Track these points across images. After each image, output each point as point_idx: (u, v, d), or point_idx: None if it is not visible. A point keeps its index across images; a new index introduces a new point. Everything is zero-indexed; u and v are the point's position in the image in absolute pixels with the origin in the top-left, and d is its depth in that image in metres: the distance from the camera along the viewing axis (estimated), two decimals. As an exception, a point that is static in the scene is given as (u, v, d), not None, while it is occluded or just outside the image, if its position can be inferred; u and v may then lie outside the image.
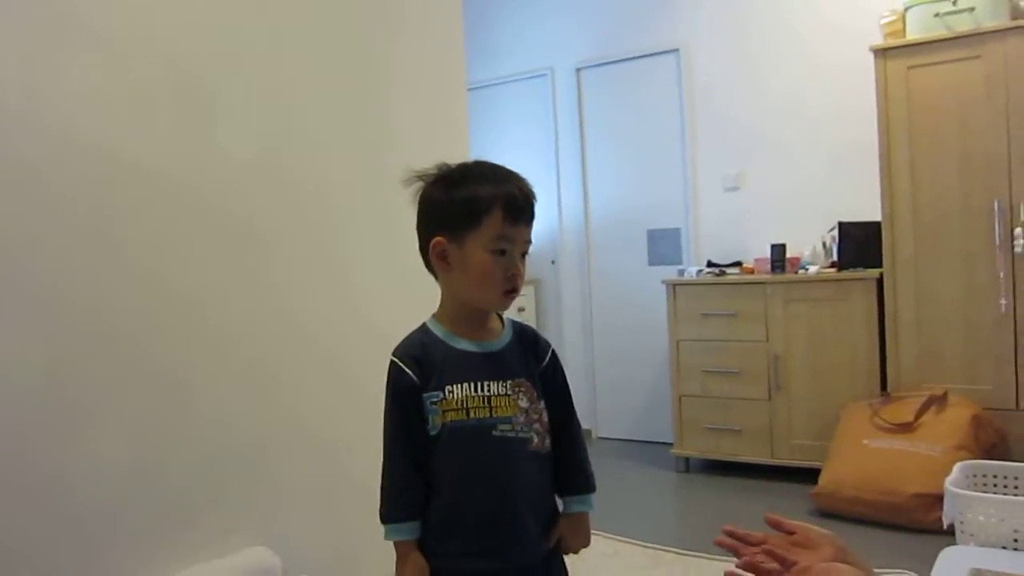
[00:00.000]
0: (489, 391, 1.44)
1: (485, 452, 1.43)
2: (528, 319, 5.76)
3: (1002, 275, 3.71)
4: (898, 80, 3.91)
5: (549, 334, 5.82)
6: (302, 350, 2.50)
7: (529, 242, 1.46)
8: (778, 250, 4.44)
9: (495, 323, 1.53)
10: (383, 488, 1.48)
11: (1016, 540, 2.67)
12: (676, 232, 5.26)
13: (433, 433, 1.44)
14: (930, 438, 3.62)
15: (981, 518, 2.78)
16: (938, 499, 3.11)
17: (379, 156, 2.83)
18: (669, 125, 5.25)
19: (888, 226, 3.97)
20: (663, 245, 5.31)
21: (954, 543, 2.75)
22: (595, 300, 5.61)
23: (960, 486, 2.96)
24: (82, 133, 1.98)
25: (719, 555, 3.27)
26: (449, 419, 1.43)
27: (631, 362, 5.41)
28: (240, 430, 2.30)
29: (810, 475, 3.94)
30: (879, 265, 4.03)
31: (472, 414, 1.42)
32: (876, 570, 3.08)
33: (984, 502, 2.81)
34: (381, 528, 1.50)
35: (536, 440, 1.48)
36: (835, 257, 4.32)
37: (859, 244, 4.16)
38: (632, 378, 5.42)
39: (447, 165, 1.51)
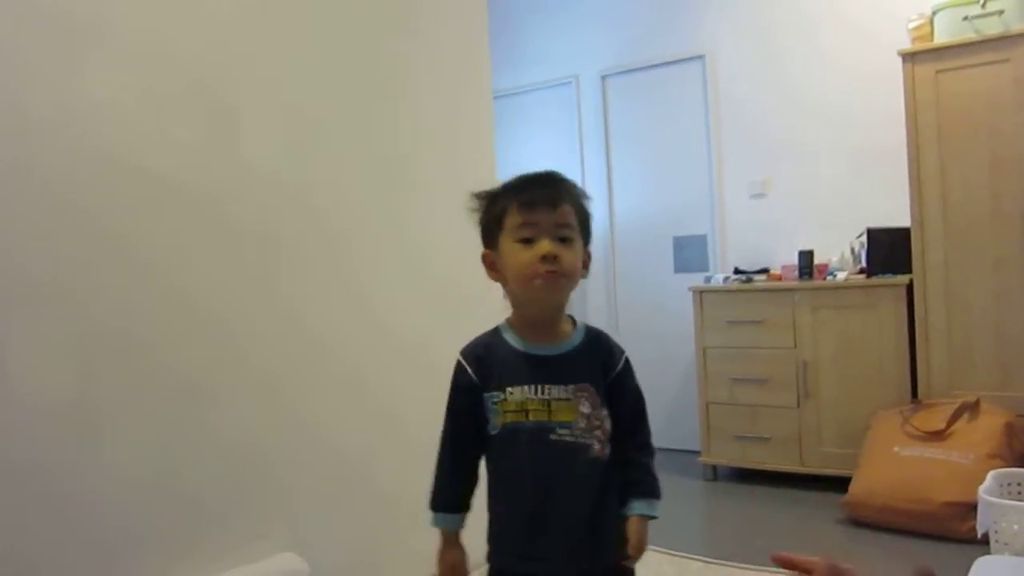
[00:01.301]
0: (549, 394, 1.45)
1: (541, 455, 1.44)
2: (554, 327, 5.75)
3: (1034, 281, 3.66)
4: (927, 84, 3.87)
5: (575, 342, 5.80)
6: (318, 359, 2.51)
7: (566, 226, 1.47)
8: (806, 257, 4.40)
9: (565, 326, 1.54)
10: (433, 478, 1.55)
11: (1051, 550, 2.63)
12: (702, 239, 5.24)
13: (494, 432, 1.47)
14: (962, 446, 3.57)
15: (1016, 527, 2.75)
16: (971, 508, 3.08)
17: (403, 165, 2.84)
18: (694, 131, 5.24)
19: (917, 231, 3.93)
20: (689, 252, 5.29)
21: (988, 552, 2.71)
22: (621, 307, 5.60)
23: (994, 495, 2.93)
24: (106, 146, 2.01)
25: (746, 564, 3.25)
26: (509, 420, 1.45)
27: (657, 369, 5.38)
28: (261, 439, 2.32)
29: (840, 484, 3.90)
30: (908, 271, 3.98)
31: (531, 416, 1.44)
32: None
33: (1019, 511, 2.77)
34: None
35: (597, 447, 1.48)
36: (864, 263, 4.27)
37: (888, 250, 4.12)
38: (658, 385, 5.38)
39: (496, 185, 1.58)
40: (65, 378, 1.91)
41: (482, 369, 1.48)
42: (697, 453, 4.74)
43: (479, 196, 1.56)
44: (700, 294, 4.63)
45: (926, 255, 3.91)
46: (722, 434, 4.57)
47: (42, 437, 1.86)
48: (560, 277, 1.45)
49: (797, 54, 4.80)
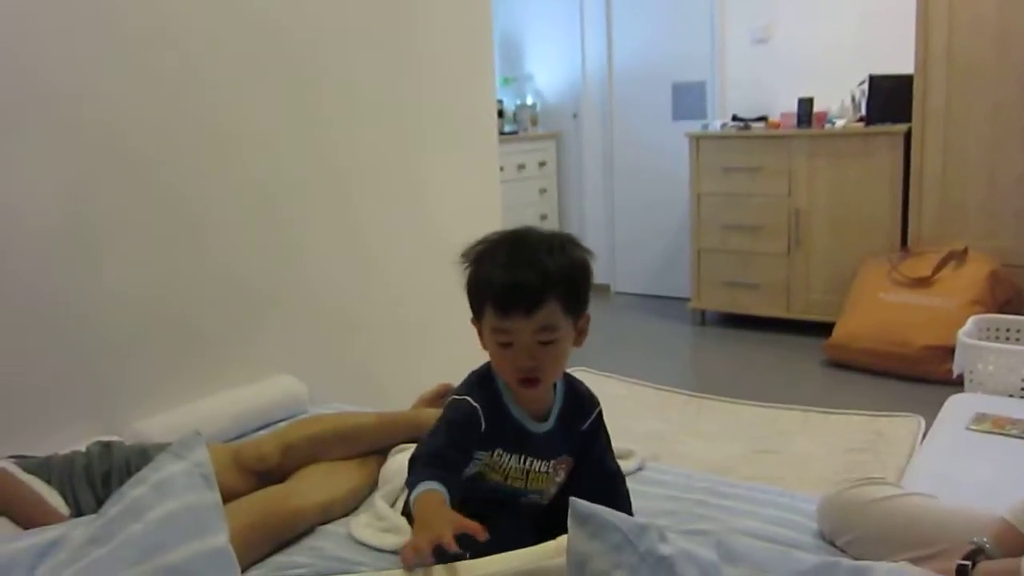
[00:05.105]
0: (531, 467, 1.42)
1: (504, 509, 1.41)
2: (549, 174, 5.74)
3: (1032, 129, 3.64)
4: (942, -79, 3.72)
5: (570, 189, 5.81)
6: (315, 187, 2.54)
7: (546, 329, 1.31)
8: (805, 104, 4.34)
9: (547, 391, 1.44)
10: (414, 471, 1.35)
11: (1023, 389, 2.74)
12: (701, 85, 5.14)
13: (467, 472, 1.39)
14: (946, 292, 3.65)
15: (991, 368, 2.84)
16: (950, 351, 3.16)
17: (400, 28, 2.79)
18: (698, -28, 5.05)
19: (921, 76, 3.86)
20: (688, 99, 5.21)
21: (962, 392, 2.82)
22: (617, 154, 5.56)
23: (973, 338, 3.01)
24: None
25: (729, 398, 3.38)
26: (488, 477, 1.41)
27: (651, 217, 5.41)
28: (254, 266, 2.35)
29: (826, 329, 4.00)
30: (907, 120, 3.94)
31: (509, 482, 1.41)
32: (884, 415, 3.16)
33: (995, 352, 2.86)
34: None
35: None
36: (863, 112, 4.23)
37: (889, 97, 4.06)
38: (651, 233, 5.44)
39: (488, 237, 1.39)
40: (57, 197, 1.90)
41: (487, 420, 1.37)
42: (687, 300, 4.83)
43: (464, 256, 1.38)
44: (697, 140, 4.60)
45: (927, 101, 3.86)
46: (712, 280, 4.65)
47: (39, 258, 1.88)
48: (538, 383, 1.36)
49: None
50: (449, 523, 1.16)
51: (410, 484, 1.29)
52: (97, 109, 1.97)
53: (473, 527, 1.16)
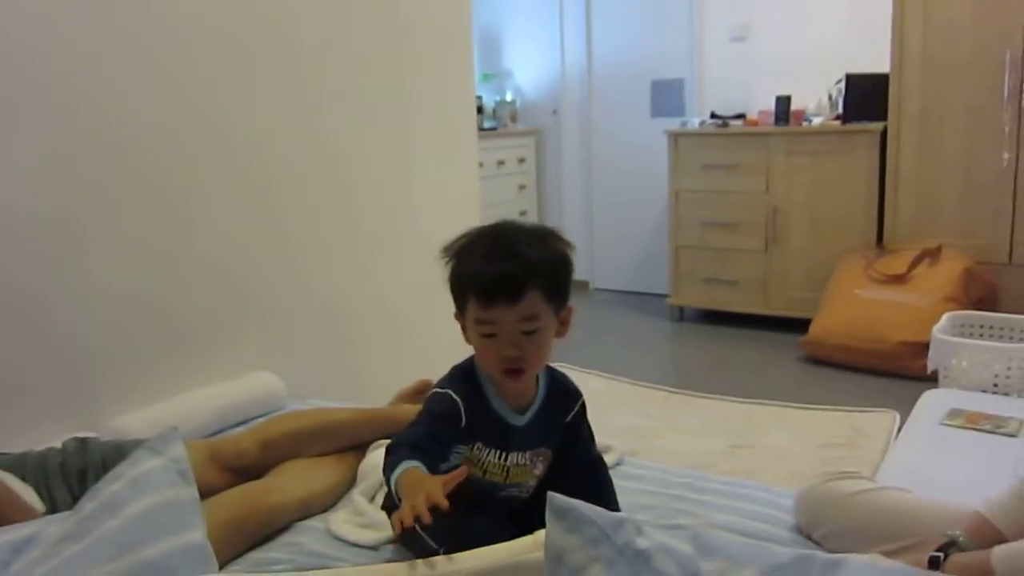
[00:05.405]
0: (510, 461, 1.42)
1: (484, 506, 1.42)
2: (528, 170, 5.74)
3: (1007, 129, 3.68)
4: (918, -78, 3.75)
5: (549, 186, 5.82)
6: (303, 184, 2.52)
7: (529, 319, 1.32)
8: (782, 102, 4.37)
9: (529, 384, 1.45)
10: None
11: (996, 384, 2.77)
12: (680, 83, 5.16)
13: (443, 466, 1.37)
14: (921, 289, 3.69)
15: (964, 364, 2.88)
16: (925, 347, 3.20)
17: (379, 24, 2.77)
18: (678, -31, 5.07)
19: (896, 76, 3.89)
20: (667, 96, 5.22)
21: (936, 388, 2.85)
22: (596, 151, 5.57)
23: (947, 335, 3.04)
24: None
25: (707, 394, 3.39)
26: (468, 473, 1.38)
27: (630, 214, 5.43)
28: (239, 262, 2.34)
29: (803, 325, 4.03)
30: (884, 118, 3.98)
31: (487, 476, 1.42)
32: (859, 410, 3.19)
33: (968, 348, 2.90)
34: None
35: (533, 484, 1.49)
36: (840, 110, 4.26)
37: (865, 96, 4.09)
38: (631, 230, 5.45)
39: (469, 232, 1.39)
40: (46, 190, 1.88)
41: (468, 415, 1.38)
42: (666, 296, 4.85)
43: (445, 251, 1.38)
44: (676, 137, 4.62)
45: (903, 101, 3.90)
46: (691, 277, 4.67)
47: (22, 251, 1.86)
48: (522, 373, 1.36)
49: None
50: (438, 484, 1.17)
51: (390, 465, 1.28)
52: (86, 102, 1.95)
53: (456, 475, 1.20)
